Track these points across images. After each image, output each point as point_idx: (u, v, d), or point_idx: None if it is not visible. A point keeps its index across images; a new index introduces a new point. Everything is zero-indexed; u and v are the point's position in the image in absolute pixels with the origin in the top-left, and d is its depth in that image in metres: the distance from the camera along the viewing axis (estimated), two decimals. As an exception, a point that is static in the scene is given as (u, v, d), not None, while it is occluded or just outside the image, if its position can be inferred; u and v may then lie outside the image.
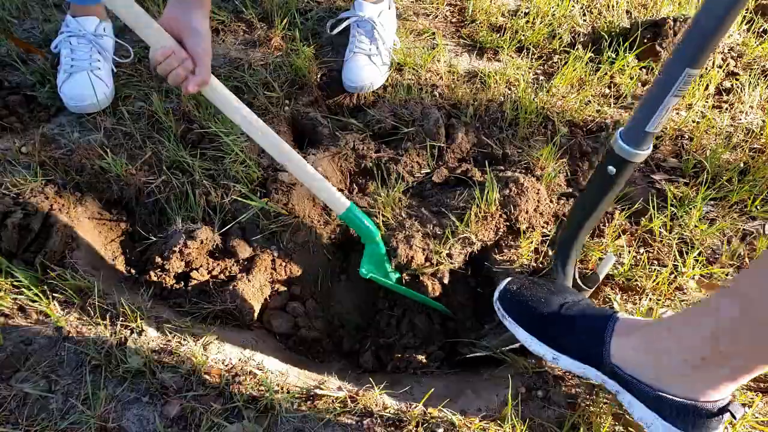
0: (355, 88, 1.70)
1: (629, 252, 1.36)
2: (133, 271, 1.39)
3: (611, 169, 0.96)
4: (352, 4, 1.80)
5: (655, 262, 1.38)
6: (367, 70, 1.70)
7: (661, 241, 1.40)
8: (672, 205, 1.46)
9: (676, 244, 1.39)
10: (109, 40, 1.68)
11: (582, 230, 1.11)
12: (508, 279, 1.18)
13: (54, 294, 1.20)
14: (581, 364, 1.02)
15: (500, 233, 1.41)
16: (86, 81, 1.54)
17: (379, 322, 1.41)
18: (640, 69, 1.84)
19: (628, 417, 1.08)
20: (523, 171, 1.52)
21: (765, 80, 1.83)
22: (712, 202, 1.50)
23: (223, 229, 1.40)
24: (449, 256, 1.35)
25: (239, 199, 1.40)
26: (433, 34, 1.91)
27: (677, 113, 1.73)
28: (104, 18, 1.67)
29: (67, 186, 1.39)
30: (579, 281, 1.22)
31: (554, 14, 1.96)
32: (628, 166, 0.95)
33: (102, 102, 1.56)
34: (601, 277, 1.22)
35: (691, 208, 1.45)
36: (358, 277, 1.31)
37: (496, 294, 1.16)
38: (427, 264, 1.35)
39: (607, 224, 1.43)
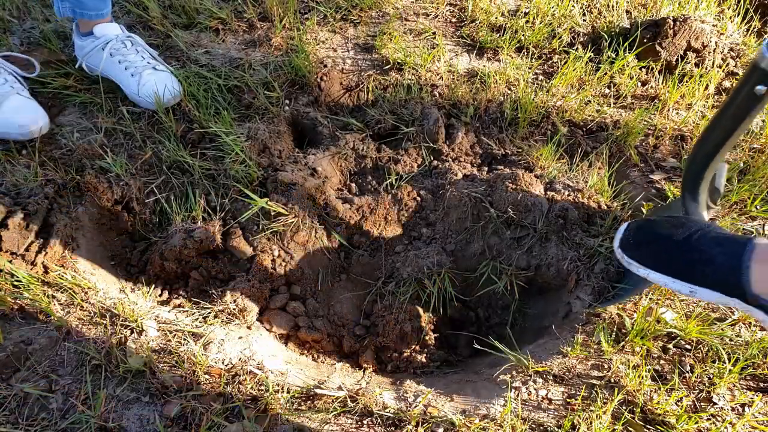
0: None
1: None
2: (133, 271, 1.39)
3: (760, 89, 0.88)
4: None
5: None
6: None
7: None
8: (672, 205, 1.47)
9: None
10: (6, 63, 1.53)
11: (717, 155, 1.04)
12: (626, 224, 1.11)
13: (54, 294, 1.20)
14: (722, 295, 0.96)
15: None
16: (28, 104, 1.46)
17: (380, 322, 1.41)
18: (640, 69, 1.84)
19: (628, 416, 1.08)
20: (523, 170, 1.51)
21: (765, 80, 1.83)
22: (712, 202, 1.50)
23: (223, 230, 1.40)
24: None
25: (239, 198, 1.40)
26: (434, 34, 1.91)
27: (677, 113, 1.73)
28: None
29: (67, 186, 1.40)
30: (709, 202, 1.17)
31: (554, 14, 1.96)
32: None
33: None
34: (722, 189, 1.16)
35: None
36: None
37: (617, 242, 1.10)
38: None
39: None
